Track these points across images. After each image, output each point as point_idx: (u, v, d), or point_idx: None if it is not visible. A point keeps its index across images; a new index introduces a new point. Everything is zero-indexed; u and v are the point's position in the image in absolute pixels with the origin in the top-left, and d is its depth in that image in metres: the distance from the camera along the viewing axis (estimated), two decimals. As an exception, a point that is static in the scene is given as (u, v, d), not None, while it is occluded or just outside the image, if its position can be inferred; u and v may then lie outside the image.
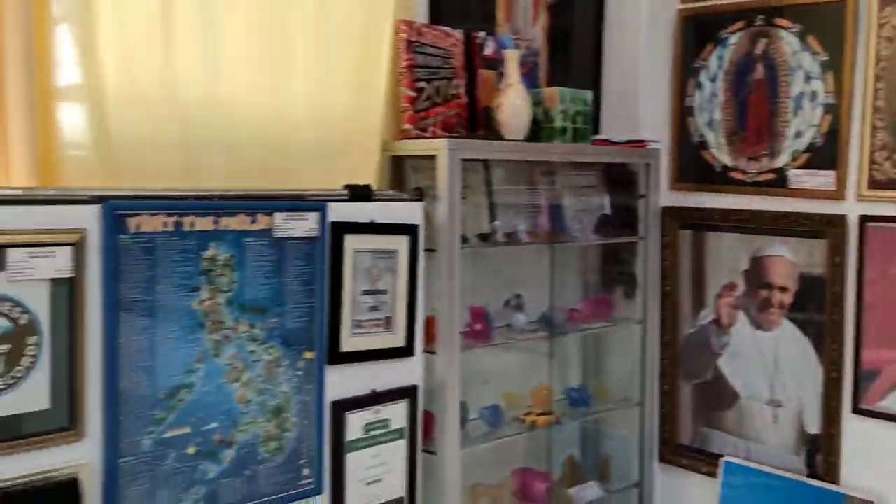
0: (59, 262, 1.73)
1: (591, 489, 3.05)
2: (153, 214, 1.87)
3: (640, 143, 3.07)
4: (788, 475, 2.90)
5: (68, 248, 1.75)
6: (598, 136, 3.03)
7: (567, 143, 2.83)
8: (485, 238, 2.70)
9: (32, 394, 1.72)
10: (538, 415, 2.82)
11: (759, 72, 2.97)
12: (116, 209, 1.82)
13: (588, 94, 2.90)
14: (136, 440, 1.87)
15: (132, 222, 1.84)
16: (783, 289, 2.94)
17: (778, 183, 2.94)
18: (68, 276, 1.75)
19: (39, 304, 1.72)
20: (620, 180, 3.15)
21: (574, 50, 3.22)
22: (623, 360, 3.22)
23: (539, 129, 2.81)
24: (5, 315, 1.68)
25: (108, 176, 2.04)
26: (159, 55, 2.15)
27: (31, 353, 1.71)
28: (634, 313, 3.18)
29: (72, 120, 2.03)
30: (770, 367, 2.98)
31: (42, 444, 1.73)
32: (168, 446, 1.93)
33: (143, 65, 2.13)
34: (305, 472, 2.18)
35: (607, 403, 3.16)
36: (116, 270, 1.82)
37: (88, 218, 1.78)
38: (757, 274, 3.01)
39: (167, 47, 2.16)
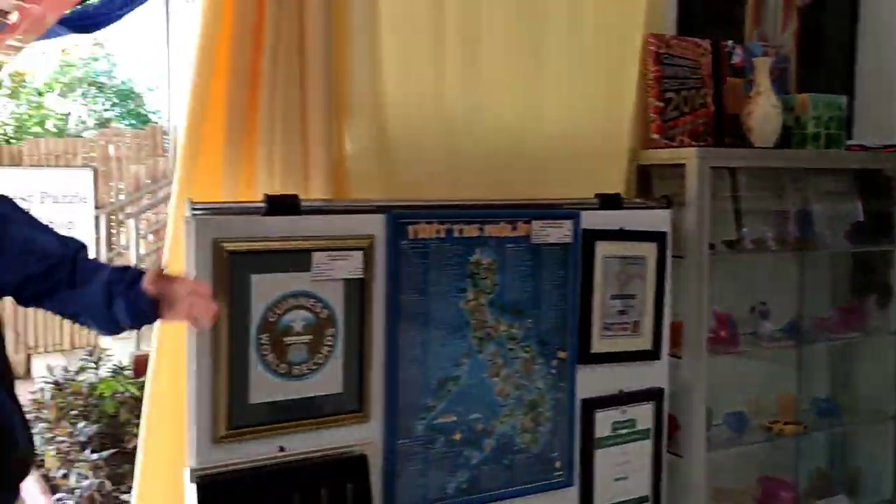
0: (352, 264, 1.96)
1: (840, 503, 2.96)
2: (429, 223, 2.07)
3: (898, 148, 2.95)
4: None
5: (359, 252, 1.97)
6: (852, 142, 2.94)
7: (819, 149, 2.78)
8: (731, 245, 2.71)
9: (329, 379, 1.96)
10: (785, 424, 2.79)
11: None
12: (399, 218, 2.03)
13: (842, 100, 2.83)
14: (412, 425, 2.08)
15: (411, 230, 2.05)
16: None
17: None
18: (359, 276, 1.98)
19: (335, 300, 1.96)
20: (874, 186, 3.04)
21: (825, 54, 3.14)
22: (875, 371, 3.10)
23: (789, 136, 2.78)
24: (309, 309, 1.93)
25: (385, 187, 2.26)
26: (430, 73, 2.33)
27: (329, 343, 1.96)
28: (888, 324, 3.05)
29: (358, 133, 2.26)
30: None
31: (337, 423, 1.97)
32: (438, 431, 2.12)
33: (416, 83, 2.32)
34: (557, 464, 2.31)
35: (857, 416, 3.05)
36: (398, 272, 2.04)
37: (375, 225, 2.01)
38: None
39: (436, 66, 2.34)
